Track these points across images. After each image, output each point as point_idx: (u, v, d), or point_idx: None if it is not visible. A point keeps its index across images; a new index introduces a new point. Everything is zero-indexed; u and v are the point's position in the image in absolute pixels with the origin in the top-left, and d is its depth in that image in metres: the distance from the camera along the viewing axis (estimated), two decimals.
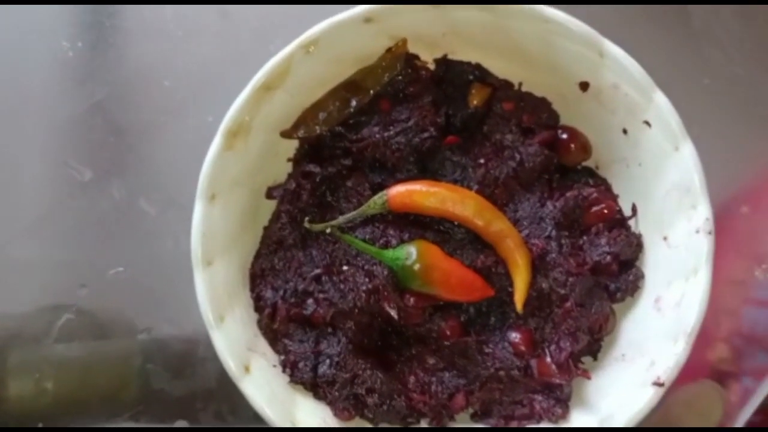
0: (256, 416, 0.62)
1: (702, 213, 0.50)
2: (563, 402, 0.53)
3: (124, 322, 0.65)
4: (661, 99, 0.51)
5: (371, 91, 0.55)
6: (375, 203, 0.54)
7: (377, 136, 0.55)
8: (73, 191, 0.66)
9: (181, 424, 0.63)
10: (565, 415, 0.52)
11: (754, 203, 0.66)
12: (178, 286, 0.62)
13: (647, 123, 0.53)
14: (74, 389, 0.65)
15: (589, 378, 0.53)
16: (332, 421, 0.52)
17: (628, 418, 0.49)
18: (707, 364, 0.63)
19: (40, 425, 0.63)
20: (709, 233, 0.50)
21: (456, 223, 0.55)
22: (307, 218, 0.55)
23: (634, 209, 0.56)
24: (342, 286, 0.53)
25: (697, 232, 0.50)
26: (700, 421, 0.62)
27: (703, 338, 0.62)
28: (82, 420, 0.65)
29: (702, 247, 0.50)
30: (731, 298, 0.64)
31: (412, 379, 0.54)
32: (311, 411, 0.52)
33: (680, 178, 0.51)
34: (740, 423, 0.62)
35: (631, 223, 0.56)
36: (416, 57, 0.56)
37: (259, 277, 0.55)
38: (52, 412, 0.65)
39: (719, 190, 0.54)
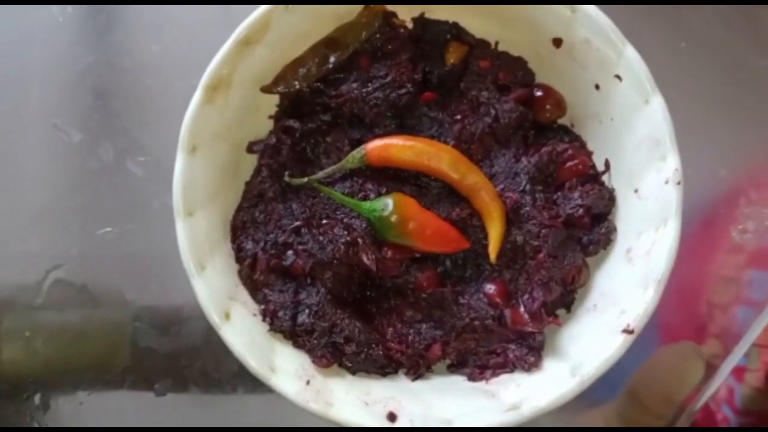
0: (240, 372, 0.63)
1: (671, 164, 0.51)
2: (536, 350, 0.54)
3: (113, 282, 0.67)
4: (631, 53, 0.53)
5: (350, 48, 0.56)
6: (354, 158, 0.55)
7: (356, 92, 0.56)
8: (62, 153, 0.67)
9: (167, 381, 0.65)
10: (537, 363, 0.54)
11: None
12: (166, 247, 0.63)
13: (618, 77, 0.54)
14: (64, 351, 0.66)
15: (559, 325, 0.54)
16: (310, 368, 0.53)
17: (597, 364, 0.50)
18: (694, 325, 0.64)
19: (31, 380, 0.64)
20: (678, 183, 0.51)
21: (432, 177, 0.56)
22: (287, 172, 0.56)
23: (607, 164, 0.57)
24: (321, 238, 0.54)
25: (666, 182, 0.51)
26: (681, 381, 0.63)
27: (698, 333, 0.64)
28: (71, 380, 0.66)
29: (671, 197, 0.51)
30: (725, 294, 0.65)
31: (390, 330, 0.55)
32: (290, 358, 0.54)
33: (650, 130, 0.53)
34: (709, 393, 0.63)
35: (605, 178, 0.57)
36: (394, 15, 0.58)
37: (240, 228, 0.57)
38: (43, 374, 0.66)
39: (695, 153, 0.55)
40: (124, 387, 0.65)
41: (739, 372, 0.63)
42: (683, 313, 0.66)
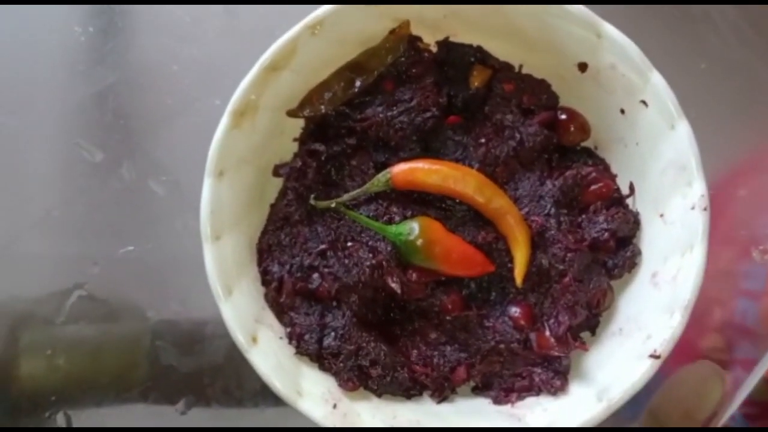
0: (262, 391, 0.64)
1: (697, 190, 0.52)
2: (562, 374, 0.54)
3: (134, 300, 0.67)
4: (657, 79, 0.53)
5: (375, 72, 0.57)
6: (379, 181, 0.55)
7: (381, 115, 0.56)
8: (84, 172, 0.68)
9: (189, 399, 0.65)
10: (563, 387, 0.54)
11: (749, 186, 0.67)
12: (187, 266, 0.64)
13: (644, 102, 0.54)
14: (85, 368, 0.67)
15: (586, 350, 0.54)
16: (337, 391, 0.54)
17: (624, 389, 0.51)
18: (700, 354, 0.64)
19: (53, 399, 0.65)
20: (705, 210, 0.51)
21: (457, 200, 0.56)
22: (312, 195, 0.56)
23: (631, 188, 0.57)
24: (346, 261, 0.55)
25: (693, 208, 0.52)
26: (700, 402, 0.63)
27: (696, 327, 0.64)
28: (92, 397, 0.66)
29: (697, 223, 0.51)
30: (723, 287, 0.65)
31: (414, 352, 0.55)
32: (316, 381, 0.54)
33: (676, 156, 0.53)
34: (731, 411, 0.63)
35: (629, 201, 0.57)
36: (419, 39, 0.58)
37: (266, 252, 0.57)
38: (63, 391, 0.66)
39: (714, 173, 0.56)
40: (147, 404, 0.65)
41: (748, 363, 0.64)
42: (694, 327, 0.66)
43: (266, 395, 0.64)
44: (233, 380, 0.65)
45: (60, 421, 0.64)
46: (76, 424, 0.65)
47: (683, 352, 0.65)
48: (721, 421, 0.63)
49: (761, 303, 0.64)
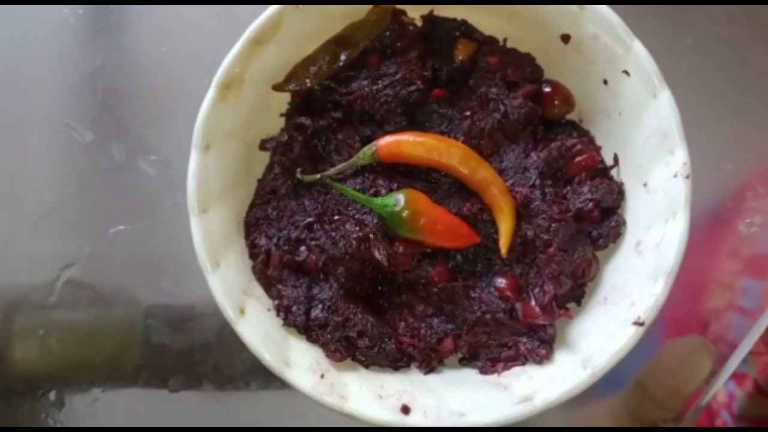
0: (253, 368, 0.64)
1: (680, 158, 0.52)
2: (547, 343, 0.55)
3: (126, 280, 0.67)
4: (639, 48, 0.53)
5: (360, 46, 0.57)
6: (365, 154, 0.56)
7: (366, 89, 0.57)
8: (74, 153, 0.68)
9: (180, 378, 0.65)
10: (548, 356, 0.54)
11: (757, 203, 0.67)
12: (178, 245, 0.64)
13: (626, 72, 0.54)
14: (77, 348, 0.67)
15: (571, 317, 0.55)
16: (324, 362, 0.54)
17: (608, 356, 0.51)
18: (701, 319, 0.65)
19: (46, 377, 0.65)
20: (687, 177, 0.52)
21: (443, 173, 0.56)
22: (299, 169, 0.56)
23: (615, 159, 0.57)
24: (333, 234, 0.55)
25: (675, 176, 0.52)
26: (688, 374, 0.63)
27: (703, 326, 0.64)
28: (85, 378, 0.66)
29: (680, 190, 0.52)
30: (720, 300, 0.66)
31: (402, 324, 0.56)
32: (304, 352, 0.54)
33: (658, 124, 0.53)
34: (716, 388, 0.63)
35: (613, 172, 0.58)
36: (403, 13, 0.58)
37: (253, 225, 0.57)
38: (57, 372, 0.67)
39: (702, 148, 0.56)
40: (138, 384, 0.65)
41: (740, 378, 0.64)
42: (689, 306, 0.67)
43: (256, 372, 0.64)
44: (224, 358, 0.65)
45: (51, 399, 0.65)
46: (67, 404, 0.65)
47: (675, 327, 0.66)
48: (708, 395, 0.63)
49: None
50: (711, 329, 0.65)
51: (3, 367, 0.67)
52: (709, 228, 0.67)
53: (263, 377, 0.64)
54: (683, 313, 0.66)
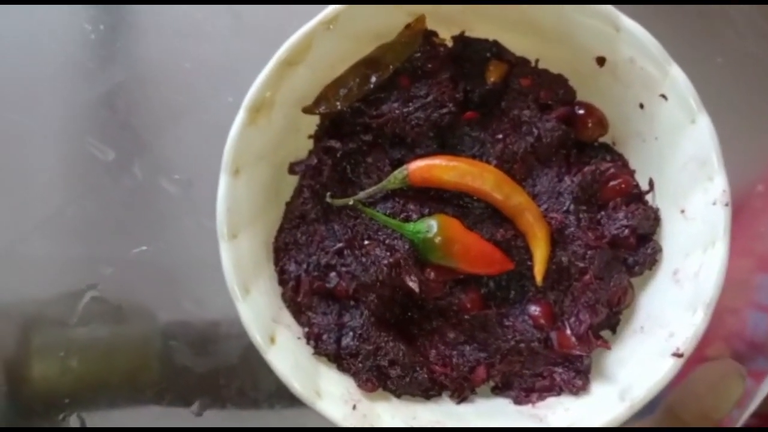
0: (278, 392, 0.64)
1: (719, 185, 0.51)
2: (583, 374, 0.54)
3: (148, 300, 0.66)
4: (677, 72, 0.52)
5: (391, 68, 0.56)
6: (396, 178, 0.55)
7: (397, 111, 0.56)
8: (96, 171, 0.67)
9: (204, 400, 0.64)
10: (585, 387, 0.53)
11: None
12: (200, 265, 0.64)
13: (663, 96, 0.53)
14: (98, 370, 0.66)
15: (609, 348, 0.54)
16: (356, 392, 0.53)
17: (647, 388, 0.50)
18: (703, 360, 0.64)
19: (66, 401, 0.64)
20: (726, 205, 0.51)
21: (475, 197, 0.55)
22: (328, 193, 0.55)
23: (651, 183, 0.56)
24: (364, 260, 0.54)
25: (714, 203, 0.51)
26: (720, 399, 0.63)
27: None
28: (105, 398, 0.66)
29: (719, 218, 0.51)
30: (734, 297, 0.65)
31: (433, 352, 0.55)
32: (335, 382, 0.53)
33: (696, 150, 0.52)
34: (747, 413, 0.63)
35: (648, 197, 0.57)
36: (434, 34, 0.57)
37: (282, 250, 0.56)
38: (76, 392, 0.66)
39: (732, 168, 0.55)
40: (162, 406, 0.65)
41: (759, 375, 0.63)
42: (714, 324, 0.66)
43: (282, 396, 0.63)
44: (248, 381, 0.64)
45: (74, 423, 0.64)
46: (89, 425, 0.64)
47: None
48: (739, 422, 0.63)
49: None
50: (724, 326, 0.64)
51: (21, 386, 0.66)
52: (737, 247, 0.66)
53: (289, 400, 0.63)
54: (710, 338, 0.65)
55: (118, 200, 0.67)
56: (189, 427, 0.64)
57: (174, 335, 0.66)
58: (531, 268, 0.54)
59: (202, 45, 0.69)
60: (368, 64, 0.56)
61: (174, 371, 0.65)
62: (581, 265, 0.54)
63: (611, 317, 0.55)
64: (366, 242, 0.55)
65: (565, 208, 0.55)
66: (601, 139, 0.59)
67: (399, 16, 0.55)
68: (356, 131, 0.57)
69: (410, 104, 0.56)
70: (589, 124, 0.58)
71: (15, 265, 0.67)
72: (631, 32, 0.53)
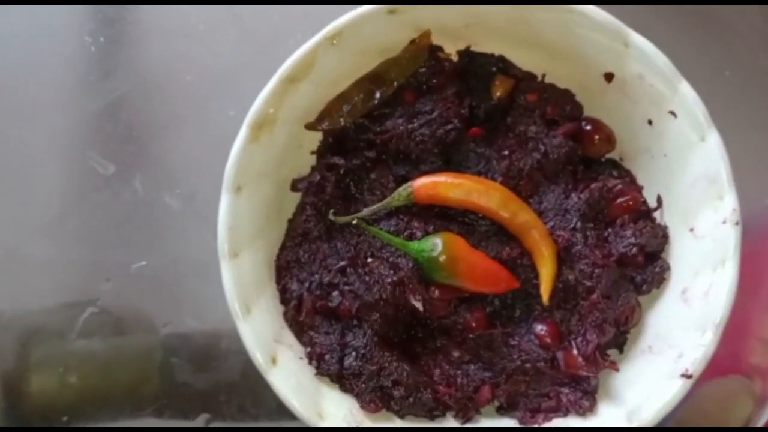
0: (279, 409, 0.62)
1: (729, 203, 0.50)
2: (590, 394, 0.53)
3: (148, 316, 0.65)
4: (686, 89, 0.51)
5: (395, 83, 0.55)
6: (400, 195, 0.54)
7: (401, 128, 0.55)
8: (96, 185, 0.66)
9: (204, 417, 0.64)
10: (592, 408, 0.52)
11: None
12: (202, 280, 0.63)
13: (672, 113, 0.52)
14: (96, 384, 0.65)
15: (616, 370, 0.53)
16: (359, 413, 0.52)
17: (655, 409, 0.49)
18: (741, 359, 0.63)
19: (65, 419, 0.63)
20: (736, 224, 0.50)
21: (481, 215, 0.55)
22: (331, 210, 0.55)
23: (659, 201, 0.56)
24: (367, 278, 0.53)
25: (724, 222, 0.50)
26: (729, 417, 0.62)
27: (743, 366, 0.62)
28: (106, 414, 0.65)
29: (729, 237, 0.50)
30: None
31: (437, 371, 0.54)
32: (338, 403, 0.52)
33: (706, 168, 0.51)
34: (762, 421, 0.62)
35: (657, 214, 0.56)
36: (440, 49, 0.56)
37: (284, 269, 0.55)
38: (75, 407, 0.65)
39: (740, 183, 0.54)
40: (162, 421, 0.64)
41: None
42: (728, 346, 0.65)
43: (283, 413, 0.62)
44: (249, 398, 0.63)
45: None
46: None
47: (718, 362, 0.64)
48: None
49: None
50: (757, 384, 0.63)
51: (19, 400, 0.66)
52: (748, 265, 0.65)
53: (289, 417, 0.62)
54: (722, 354, 0.64)
55: (120, 214, 0.66)
56: None
57: (175, 350, 0.65)
58: (537, 287, 0.53)
59: (204, 57, 0.68)
60: (372, 79, 0.55)
61: (174, 386, 0.64)
62: (588, 283, 0.53)
63: (618, 336, 0.54)
64: (369, 260, 0.54)
65: (572, 226, 0.54)
66: (609, 155, 0.58)
67: (404, 31, 0.55)
68: (360, 147, 0.56)
69: (415, 120, 0.55)
70: (597, 140, 0.57)
71: (15, 278, 0.66)
72: (640, 48, 0.52)
